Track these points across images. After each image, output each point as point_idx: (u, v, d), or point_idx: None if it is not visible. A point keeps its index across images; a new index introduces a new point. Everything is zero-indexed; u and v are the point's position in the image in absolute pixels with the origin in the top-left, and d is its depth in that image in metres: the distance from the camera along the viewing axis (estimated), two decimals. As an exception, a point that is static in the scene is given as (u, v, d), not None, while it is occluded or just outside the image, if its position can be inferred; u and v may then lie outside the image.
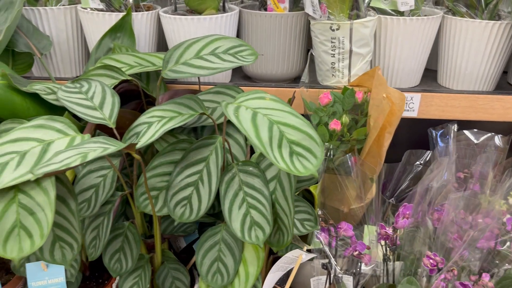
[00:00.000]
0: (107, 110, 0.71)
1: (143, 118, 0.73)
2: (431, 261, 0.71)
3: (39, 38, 0.89)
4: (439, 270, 0.72)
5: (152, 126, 0.71)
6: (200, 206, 0.69)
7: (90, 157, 0.52)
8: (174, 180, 0.70)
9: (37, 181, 0.58)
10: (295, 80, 0.99)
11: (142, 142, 0.64)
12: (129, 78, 0.79)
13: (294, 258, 0.78)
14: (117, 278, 0.85)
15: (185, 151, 0.71)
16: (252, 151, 0.78)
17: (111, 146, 0.56)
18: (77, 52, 0.97)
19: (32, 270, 0.75)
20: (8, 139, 0.60)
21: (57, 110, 0.78)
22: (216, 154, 0.69)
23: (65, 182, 0.62)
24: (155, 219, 0.72)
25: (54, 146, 0.60)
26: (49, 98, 0.73)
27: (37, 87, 0.73)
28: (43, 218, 0.57)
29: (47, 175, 0.58)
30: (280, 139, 0.58)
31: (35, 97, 0.75)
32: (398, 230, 0.76)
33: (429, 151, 0.86)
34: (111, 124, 0.70)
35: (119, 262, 0.74)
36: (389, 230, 0.76)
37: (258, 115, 0.60)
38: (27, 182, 0.58)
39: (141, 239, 0.74)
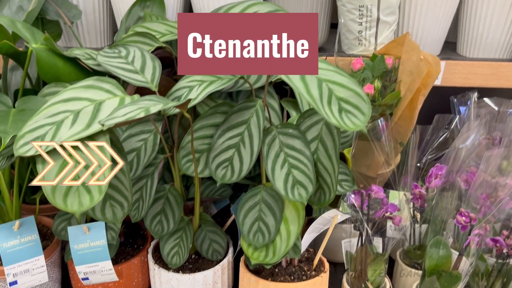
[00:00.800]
0: (149, 74, 0.72)
1: (182, 83, 0.74)
2: (464, 218, 0.74)
3: (68, 7, 0.89)
4: (472, 227, 0.75)
5: (193, 90, 0.72)
6: (241, 167, 0.71)
7: (153, 110, 0.54)
8: (215, 143, 0.72)
9: (92, 139, 0.59)
10: (319, 50, 1.00)
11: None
12: (164, 45, 0.80)
13: (329, 219, 0.80)
14: (152, 244, 0.86)
15: (226, 114, 0.72)
16: (288, 116, 0.80)
17: (168, 102, 0.57)
18: (103, 22, 0.97)
19: (74, 233, 0.76)
20: (60, 99, 0.61)
21: (98, 74, 0.78)
22: (257, 116, 0.71)
23: (115, 142, 0.63)
24: (196, 181, 0.74)
25: (106, 105, 0.61)
26: (89, 63, 0.74)
27: (77, 52, 0.74)
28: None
29: (101, 133, 0.60)
30: (330, 96, 0.60)
31: (74, 62, 0.75)
32: (430, 190, 0.79)
33: (457, 115, 0.88)
34: (154, 87, 0.71)
35: (160, 224, 0.76)
36: (423, 190, 0.78)
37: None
38: (83, 139, 0.59)
39: (182, 202, 0.75)
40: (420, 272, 0.88)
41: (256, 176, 0.84)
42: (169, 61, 0.85)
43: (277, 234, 0.72)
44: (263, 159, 0.70)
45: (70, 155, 0.58)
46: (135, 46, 0.76)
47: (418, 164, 0.89)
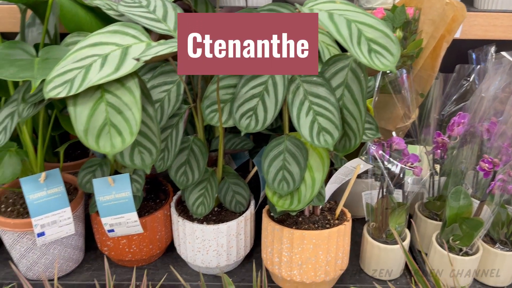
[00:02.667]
0: (171, 23, 0.71)
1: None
2: (487, 164, 0.74)
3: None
4: (494, 173, 0.75)
5: (216, 38, 0.72)
6: (266, 116, 0.71)
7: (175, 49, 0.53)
8: (239, 92, 0.72)
9: (121, 82, 0.59)
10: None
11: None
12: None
13: (351, 169, 0.81)
14: (174, 198, 0.87)
15: (250, 63, 0.72)
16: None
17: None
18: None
19: (99, 185, 0.77)
20: (87, 44, 0.61)
21: (116, 26, 0.78)
22: (281, 64, 0.70)
23: (142, 87, 0.63)
24: (220, 131, 0.74)
25: (133, 49, 0.61)
26: (110, 13, 0.73)
27: (98, 2, 0.73)
28: (130, 116, 0.58)
29: (129, 76, 0.59)
30: (359, 36, 0.59)
31: (94, 12, 0.74)
32: (452, 138, 0.79)
33: (478, 65, 0.88)
34: (176, 36, 0.70)
35: (185, 175, 0.76)
36: (445, 138, 0.78)
37: (334, 15, 0.61)
38: (112, 83, 0.59)
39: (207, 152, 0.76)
40: (439, 223, 0.89)
41: (277, 128, 0.84)
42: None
43: (301, 182, 0.73)
44: (288, 107, 0.70)
45: (100, 97, 0.58)
46: (155, -4, 0.75)
47: (437, 117, 0.89)
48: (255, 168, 0.85)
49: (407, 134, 0.93)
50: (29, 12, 0.86)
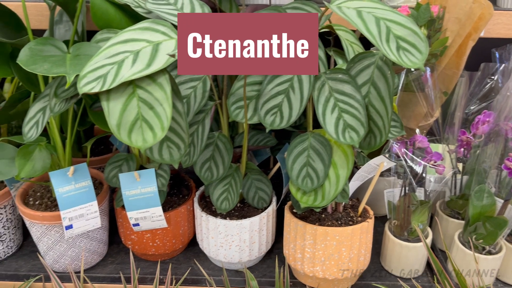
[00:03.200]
0: (199, 20, 0.72)
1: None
2: (512, 163, 0.74)
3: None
4: (519, 172, 0.75)
5: (242, 35, 0.73)
6: (291, 113, 0.72)
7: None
8: (265, 89, 0.72)
9: (152, 78, 0.60)
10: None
11: None
12: (208, -4, 0.80)
13: (374, 167, 0.81)
14: (197, 194, 0.88)
15: (276, 60, 0.73)
16: (334, 65, 0.80)
17: (228, 39, 0.58)
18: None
19: (126, 180, 0.78)
20: (118, 40, 0.62)
21: (144, 23, 0.79)
22: (307, 61, 0.71)
23: (171, 83, 0.64)
24: (245, 127, 0.75)
25: (163, 46, 0.62)
26: (138, 10, 0.74)
27: (127, 0, 0.74)
28: (161, 112, 0.59)
29: (160, 72, 0.61)
30: (388, 33, 0.60)
31: (123, 9, 0.76)
32: (477, 137, 0.79)
33: (503, 64, 0.87)
34: (204, 33, 0.71)
35: (210, 170, 0.77)
36: (470, 136, 0.78)
37: (363, 12, 0.62)
38: (144, 78, 0.60)
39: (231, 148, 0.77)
40: (461, 222, 0.89)
41: (300, 125, 0.85)
42: (212, 11, 0.85)
43: (326, 179, 0.73)
44: (314, 104, 0.70)
45: (132, 92, 0.59)
46: (182, -6, 0.76)
47: (461, 115, 0.89)
48: (278, 165, 0.86)
49: (429, 132, 0.93)
50: (56, 9, 0.88)
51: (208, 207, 0.86)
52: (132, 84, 0.60)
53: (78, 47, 0.70)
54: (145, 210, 0.79)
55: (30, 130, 0.70)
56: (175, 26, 0.71)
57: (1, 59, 0.73)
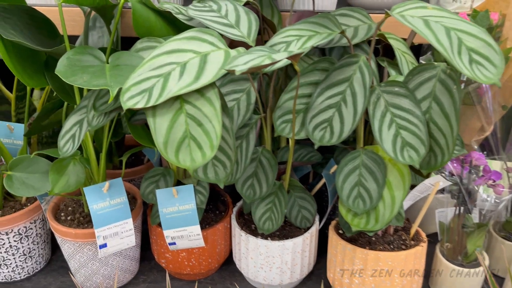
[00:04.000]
0: (244, 28, 0.67)
1: (276, 38, 0.70)
2: None
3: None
4: None
5: (291, 44, 0.68)
6: (342, 128, 0.67)
7: (278, 58, 0.49)
8: (314, 102, 0.67)
9: (201, 92, 0.56)
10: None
11: (279, 56, 0.60)
12: (251, 0, 0.75)
13: (429, 186, 0.75)
14: (234, 210, 0.83)
15: (326, 71, 0.68)
16: (387, 76, 0.75)
17: (280, 53, 0.53)
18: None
19: (163, 196, 0.74)
20: (164, 51, 0.58)
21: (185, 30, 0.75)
22: (361, 73, 0.66)
23: (220, 97, 0.60)
24: (292, 143, 0.70)
25: (211, 57, 0.57)
26: (179, 17, 0.70)
27: (167, 6, 0.70)
28: (211, 129, 0.54)
29: (209, 86, 0.56)
30: (459, 45, 0.54)
31: (163, 16, 0.71)
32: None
33: None
34: (251, 42, 0.66)
35: (252, 188, 0.72)
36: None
37: (430, 22, 0.56)
38: (191, 93, 0.55)
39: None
40: (517, 245, 0.82)
41: (347, 140, 0.79)
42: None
43: (379, 200, 0.68)
44: (370, 119, 0.65)
45: (180, 107, 0.55)
46: (226, 0, 0.71)
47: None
48: (322, 182, 0.81)
49: (481, 147, 0.87)
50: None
51: (247, 225, 0.81)
52: (179, 98, 0.55)
53: (117, 56, 0.65)
54: (182, 229, 0.75)
55: (66, 144, 0.66)
56: (221, 35, 0.67)
57: (36, 68, 0.69)
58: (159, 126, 0.53)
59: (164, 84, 0.55)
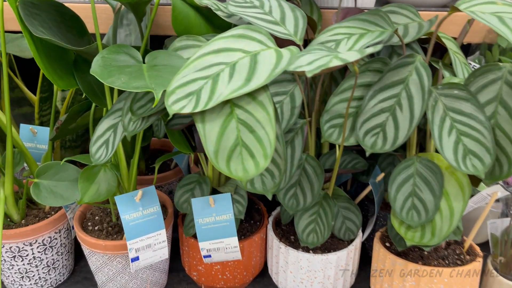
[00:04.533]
0: (291, 25, 0.62)
1: (324, 36, 0.65)
2: None
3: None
4: None
5: (341, 43, 0.63)
6: (397, 134, 0.61)
7: (350, 58, 0.44)
8: (366, 105, 0.62)
9: (252, 95, 0.51)
10: (444, 7, 0.88)
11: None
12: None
13: (485, 197, 0.70)
14: (270, 220, 0.78)
15: (379, 72, 0.63)
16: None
17: (350, 53, 0.48)
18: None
19: (199, 206, 0.69)
20: (210, 50, 0.53)
21: (224, 28, 0.70)
22: (418, 74, 0.60)
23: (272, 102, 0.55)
24: (340, 150, 0.65)
25: (262, 57, 0.52)
26: (218, 13, 0.65)
27: (206, 2, 0.65)
28: (264, 136, 0.49)
29: (261, 88, 0.51)
30: (541, 44, 0.49)
31: (201, 13, 0.67)
32: None
33: None
34: (298, 40, 0.61)
35: (295, 197, 0.67)
36: None
37: (505, 18, 0.51)
38: (242, 96, 0.50)
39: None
40: None
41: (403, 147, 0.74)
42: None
43: (436, 212, 0.63)
44: (429, 124, 0.60)
45: (230, 112, 0.50)
46: (267, -5, 0.66)
47: None
48: (367, 190, 0.76)
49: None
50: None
51: (286, 236, 0.76)
52: (229, 102, 0.50)
53: (154, 56, 0.60)
54: (219, 241, 0.70)
55: (99, 150, 0.61)
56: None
57: (65, 68, 0.64)
58: (209, 132, 0.48)
59: (213, 87, 0.50)
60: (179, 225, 0.78)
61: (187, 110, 0.49)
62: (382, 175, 0.72)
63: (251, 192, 0.61)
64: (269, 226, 0.77)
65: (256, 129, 0.50)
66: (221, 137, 0.49)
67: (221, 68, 0.51)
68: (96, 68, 0.55)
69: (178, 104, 0.49)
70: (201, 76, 0.51)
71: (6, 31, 0.80)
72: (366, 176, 0.81)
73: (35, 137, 0.80)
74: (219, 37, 0.54)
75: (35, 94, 0.84)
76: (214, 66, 0.51)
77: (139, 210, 0.67)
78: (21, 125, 0.79)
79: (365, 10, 0.70)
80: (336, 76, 0.73)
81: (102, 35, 0.89)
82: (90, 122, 0.74)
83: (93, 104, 0.74)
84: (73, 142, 0.87)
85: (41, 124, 0.82)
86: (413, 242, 0.63)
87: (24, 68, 0.99)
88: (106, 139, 0.61)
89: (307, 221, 0.69)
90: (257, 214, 0.82)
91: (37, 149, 0.80)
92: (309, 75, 0.42)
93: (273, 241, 0.75)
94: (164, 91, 0.52)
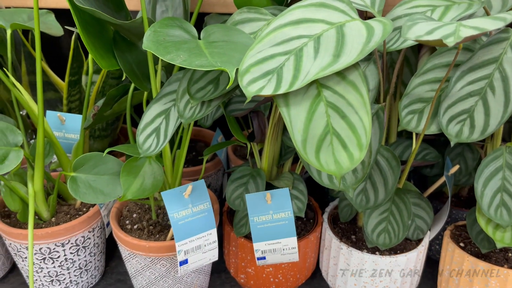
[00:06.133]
0: (366, -4, 0.54)
1: (400, 9, 0.57)
2: None
3: None
4: None
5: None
6: (487, 121, 0.54)
7: (485, 25, 0.36)
8: (452, 88, 0.54)
9: (342, 75, 0.43)
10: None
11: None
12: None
13: None
14: (324, 217, 0.71)
15: (471, 51, 0.55)
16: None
17: (469, 22, 0.40)
18: None
19: (254, 202, 0.61)
20: (287, 21, 0.44)
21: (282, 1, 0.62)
22: (515, 52, 0.53)
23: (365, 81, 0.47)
24: (419, 139, 0.57)
25: (349, 29, 0.44)
26: (280, -17, 0.57)
27: (266, -31, 0.57)
28: (357, 122, 0.41)
29: (352, 66, 0.43)
30: None
31: (260, -17, 0.58)
32: None
33: None
34: (376, 13, 0.53)
35: (365, 194, 0.60)
36: None
37: None
38: (330, 75, 0.43)
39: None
40: None
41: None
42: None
43: (530, 210, 0.55)
44: (529, 109, 0.52)
45: (317, 94, 0.42)
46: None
47: None
48: (438, 183, 0.68)
49: None
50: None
51: (346, 235, 0.68)
52: (315, 82, 0.42)
53: (210, 31, 0.52)
54: (276, 241, 0.62)
55: (147, 139, 0.53)
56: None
57: (105, 47, 0.56)
58: (295, 118, 0.41)
59: (297, 64, 0.42)
60: (224, 223, 0.70)
61: (267, 92, 0.41)
62: (456, 167, 0.64)
63: (328, 187, 0.53)
64: (325, 225, 0.70)
65: (347, 113, 0.42)
66: (309, 123, 0.41)
67: (303, 41, 0.43)
68: (149, 43, 0.47)
69: (255, 85, 0.41)
70: (280, 52, 0.43)
71: (28, 7, 0.72)
72: (430, 169, 0.74)
73: (63, 126, 0.72)
74: (296, 6, 0.46)
75: (59, 78, 0.75)
76: (294, 40, 0.43)
77: (188, 207, 0.60)
78: (48, 112, 0.71)
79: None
80: (407, 56, 0.65)
81: (135, 12, 0.81)
82: (128, 108, 0.66)
83: (131, 88, 0.66)
84: (102, 131, 0.79)
85: (69, 111, 0.74)
86: (503, 243, 0.56)
87: (48, 51, 0.91)
88: (156, 127, 0.53)
89: (378, 219, 0.61)
90: (309, 210, 0.74)
91: (65, 138, 0.72)
92: (450, 45, 0.34)
93: (332, 241, 0.67)
94: (237, 69, 0.44)
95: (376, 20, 0.46)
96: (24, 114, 0.83)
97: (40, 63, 0.54)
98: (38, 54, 0.55)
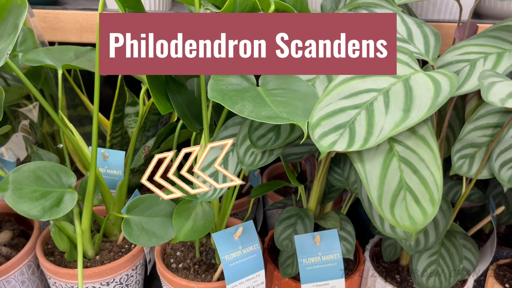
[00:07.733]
0: (420, 43, 0.55)
1: (451, 55, 0.57)
2: None
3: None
4: None
5: (477, 64, 0.55)
6: (541, 167, 0.54)
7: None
8: (505, 134, 0.55)
9: (412, 129, 0.43)
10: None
11: None
12: (399, 9, 0.63)
13: None
14: (366, 255, 0.71)
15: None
16: None
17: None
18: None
19: (303, 243, 0.61)
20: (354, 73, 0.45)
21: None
22: None
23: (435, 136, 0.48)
24: (472, 183, 0.57)
25: (414, 82, 0.45)
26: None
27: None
28: (429, 177, 0.42)
29: (423, 122, 0.44)
30: None
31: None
32: None
33: None
34: (431, 60, 0.54)
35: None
36: None
37: None
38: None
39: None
40: None
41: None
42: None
43: None
44: None
45: (390, 148, 0.42)
46: (382, 8, 0.59)
47: None
48: (483, 222, 0.68)
49: None
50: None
51: (390, 275, 0.68)
52: (386, 137, 0.43)
53: (266, 78, 0.53)
54: (324, 283, 0.62)
55: (205, 184, 0.53)
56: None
57: (160, 90, 0.57)
58: (370, 174, 0.41)
59: (370, 119, 0.42)
60: (266, 261, 0.70)
61: (340, 148, 0.41)
62: (501, 208, 0.65)
63: (389, 236, 0.54)
64: (368, 263, 0.70)
65: (420, 168, 0.42)
66: (384, 179, 0.41)
67: (373, 95, 0.44)
68: (214, 93, 0.47)
69: (327, 139, 0.42)
70: (350, 105, 0.43)
71: (76, 44, 0.73)
72: (469, 208, 0.74)
73: (105, 161, 0.72)
74: (361, 59, 0.47)
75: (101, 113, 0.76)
76: (363, 93, 0.44)
77: (238, 248, 0.60)
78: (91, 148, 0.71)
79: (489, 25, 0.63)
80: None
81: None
82: (174, 146, 0.66)
83: (178, 127, 0.66)
84: (141, 166, 0.79)
85: (111, 146, 0.74)
86: (557, 289, 0.56)
87: (89, 86, 0.92)
88: (214, 171, 0.54)
89: (427, 262, 0.61)
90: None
91: (108, 174, 0.73)
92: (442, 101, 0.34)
93: (377, 281, 0.67)
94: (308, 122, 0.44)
95: (439, 73, 0.46)
96: (60, 147, 0.84)
97: (97, 115, 0.55)
98: (95, 107, 0.55)
